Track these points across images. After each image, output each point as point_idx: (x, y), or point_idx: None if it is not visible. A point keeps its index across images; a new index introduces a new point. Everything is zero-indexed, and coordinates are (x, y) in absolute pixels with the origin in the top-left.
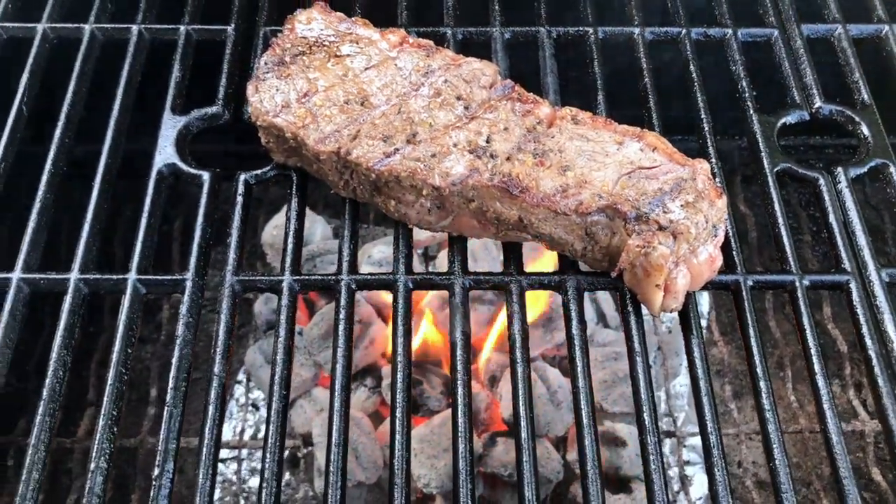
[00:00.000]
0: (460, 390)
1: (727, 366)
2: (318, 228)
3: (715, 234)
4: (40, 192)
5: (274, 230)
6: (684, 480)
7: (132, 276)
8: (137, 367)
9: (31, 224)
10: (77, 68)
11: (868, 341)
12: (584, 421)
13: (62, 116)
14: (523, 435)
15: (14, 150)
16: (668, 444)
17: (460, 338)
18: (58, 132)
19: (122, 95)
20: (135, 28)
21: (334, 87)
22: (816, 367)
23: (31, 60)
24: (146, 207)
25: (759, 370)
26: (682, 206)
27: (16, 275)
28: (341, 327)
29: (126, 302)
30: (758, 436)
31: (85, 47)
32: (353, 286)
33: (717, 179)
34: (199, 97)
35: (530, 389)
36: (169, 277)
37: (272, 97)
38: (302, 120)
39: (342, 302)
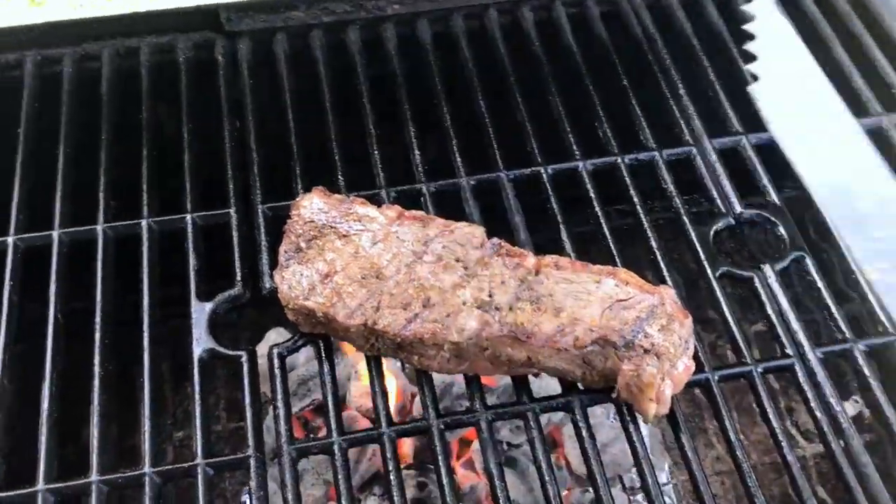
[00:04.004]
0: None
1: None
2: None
3: (687, 347)
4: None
5: None
6: None
7: (200, 461)
8: None
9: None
10: (99, 269)
11: (817, 412)
12: None
13: (97, 320)
14: None
15: (61, 360)
16: None
17: (495, 468)
18: (97, 334)
19: (147, 288)
20: (144, 223)
21: (350, 265)
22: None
23: (53, 266)
24: (197, 396)
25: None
26: (658, 329)
27: (40, 486)
28: (392, 477)
29: (200, 485)
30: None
31: (101, 247)
32: (394, 435)
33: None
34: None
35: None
36: (235, 457)
37: (298, 282)
38: (330, 300)
39: (388, 454)
